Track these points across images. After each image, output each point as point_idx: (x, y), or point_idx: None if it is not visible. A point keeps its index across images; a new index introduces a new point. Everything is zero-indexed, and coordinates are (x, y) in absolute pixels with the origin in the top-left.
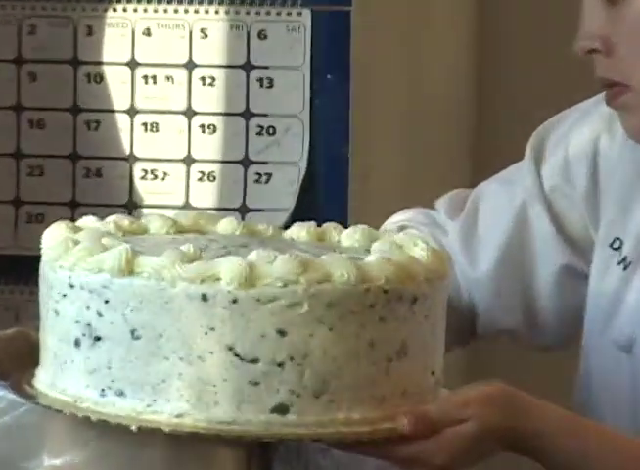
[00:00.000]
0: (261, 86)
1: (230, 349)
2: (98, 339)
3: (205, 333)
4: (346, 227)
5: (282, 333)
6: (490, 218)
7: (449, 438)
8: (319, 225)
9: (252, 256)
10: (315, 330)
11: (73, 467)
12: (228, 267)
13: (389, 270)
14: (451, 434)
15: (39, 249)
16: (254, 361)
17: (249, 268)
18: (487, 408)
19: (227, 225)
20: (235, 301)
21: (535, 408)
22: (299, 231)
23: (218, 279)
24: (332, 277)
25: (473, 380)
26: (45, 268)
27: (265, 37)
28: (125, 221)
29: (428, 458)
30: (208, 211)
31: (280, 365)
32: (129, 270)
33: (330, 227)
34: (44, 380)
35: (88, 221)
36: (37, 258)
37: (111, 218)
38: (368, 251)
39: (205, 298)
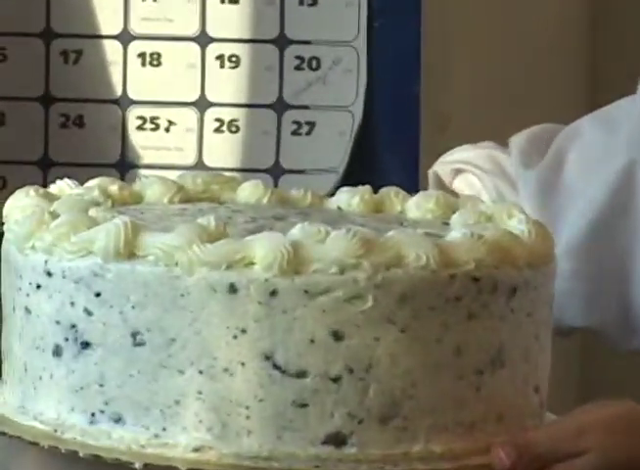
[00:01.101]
0: (301, 3)
1: (267, 358)
2: (86, 345)
3: (234, 337)
4: (415, 193)
5: (338, 336)
6: (581, 174)
7: None
8: (375, 191)
9: (296, 232)
10: (382, 332)
11: None
12: (264, 248)
13: (481, 251)
14: None
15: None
16: (301, 375)
17: (292, 249)
18: (611, 437)
19: (251, 191)
20: (274, 293)
21: None
22: (350, 198)
23: (251, 264)
24: (404, 261)
25: (585, 401)
26: (9, 250)
27: None
28: (113, 186)
29: None
30: (225, 173)
31: (335, 380)
32: (129, 252)
33: (390, 193)
34: (10, 401)
35: (64, 186)
36: None
37: (93, 182)
38: (446, 224)
39: (233, 289)
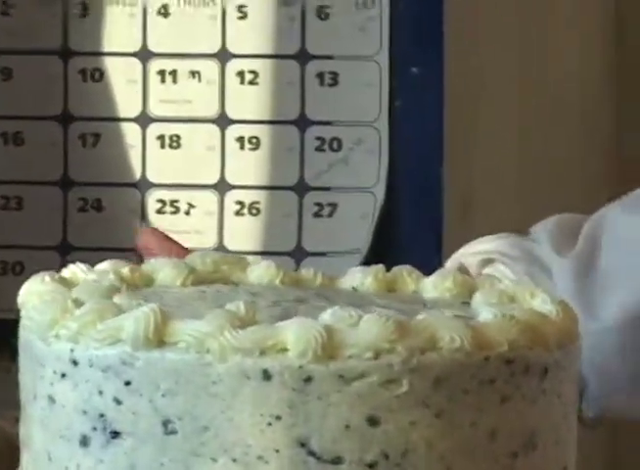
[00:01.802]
0: (322, 83)
1: (302, 445)
2: (116, 435)
3: (269, 424)
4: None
5: (373, 422)
6: (619, 256)
7: None
8: (387, 270)
9: (327, 316)
10: (418, 417)
11: None
12: (297, 333)
13: (514, 332)
14: None
15: (16, 310)
16: (336, 462)
17: (326, 334)
18: None
19: (263, 272)
20: (309, 379)
21: None
22: (363, 278)
23: (284, 350)
24: (439, 344)
25: None
26: (29, 338)
27: (327, 16)
28: (124, 269)
29: None
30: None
31: (371, 466)
32: (159, 340)
33: (403, 272)
34: None
35: (77, 270)
36: (14, 323)
37: (105, 265)
38: (466, 304)
39: (267, 376)
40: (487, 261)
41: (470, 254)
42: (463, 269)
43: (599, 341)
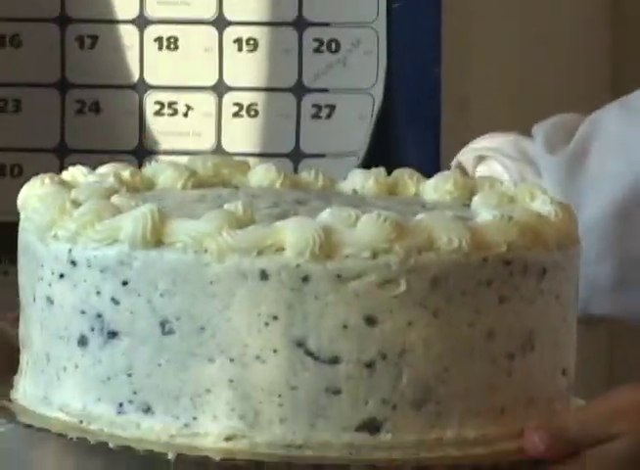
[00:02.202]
0: None
1: (300, 344)
2: (113, 335)
3: (266, 324)
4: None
5: (370, 321)
6: (606, 160)
7: (594, 462)
8: (388, 172)
9: (326, 216)
10: (415, 317)
11: None
12: (296, 233)
13: (513, 233)
14: (597, 456)
15: (17, 212)
16: (334, 361)
17: (323, 234)
18: None
19: (263, 175)
20: (306, 279)
21: None
22: (364, 180)
23: (282, 249)
24: (436, 244)
25: (612, 384)
26: (29, 240)
27: None
28: (126, 172)
29: None
30: (243, 158)
31: (369, 366)
32: (157, 240)
33: (404, 175)
34: (31, 393)
35: (77, 173)
36: (13, 226)
37: (107, 168)
38: (466, 206)
39: (264, 275)
40: (482, 158)
41: (467, 150)
42: (460, 166)
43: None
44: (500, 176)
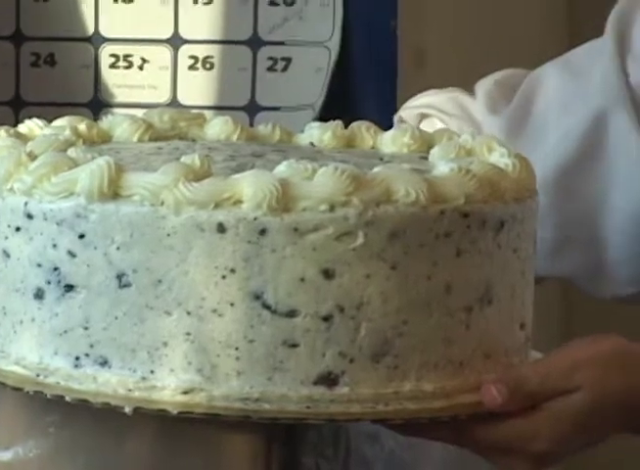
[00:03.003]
0: None
1: (257, 298)
2: (70, 288)
3: (223, 277)
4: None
5: (328, 274)
6: (549, 118)
7: (554, 414)
8: (345, 125)
9: (283, 169)
10: (373, 270)
11: (28, 462)
12: (253, 186)
13: (471, 186)
14: (557, 409)
15: None
16: (291, 314)
17: (281, 186)
18: (602, 371)
19: (220, 127)
20: (264, 231)
21: None
22: (322, 134)
23: (239, 202)
24: (394, 197)
25: (568, 337)
26: None
27: None
28: (82, 125)
29: (523, 444)
30: (199, 111)
31: (326, 319)
32: (114, 193)
33: (362, 127)
34: None
35: (33, 126)
36: None
37: (63, 121)
38: (424, 159)
39: (221, 228)
40: (424, 116)
41: (409, 107)
42: (402, 122)
43: None
44: None
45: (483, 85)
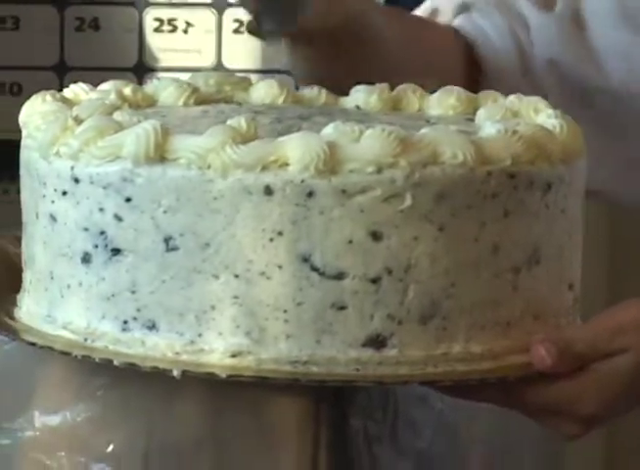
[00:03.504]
0: None
1: (305, 260)
2: (117, 252)
3: (271, 240)
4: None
5: (376, 236)
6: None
7: (601, 376)
8: (392, 88)
9: (330, 131)
10: (421, 232)
11: (75, 427)
12: (300, 148)
13: (517, 147)
14: (604, 371)
15: (17, 130)
16: (339, 277)
17: (328, 149)
18: None
19: (265, 90)
20: (311, 194)
21: None
22: (367, 96)
23: (286, 165)
24: (441, 158)
25: (616, 301)
26: (31, 157)
27: None
28: (127, 89)
29: (573, 405)
30: (244, 75)
31: (374, 281)
32: (160, 156)
33: (408, 90)
34: (35, 311)
35: (79, 90)
36: (12, 144)
37: (108, 85)
38: (470, 121)
39: (268, 191)
40: (463, 8)
41: None
42: (434, 13)
43: None
44: (483, 30)
45: None
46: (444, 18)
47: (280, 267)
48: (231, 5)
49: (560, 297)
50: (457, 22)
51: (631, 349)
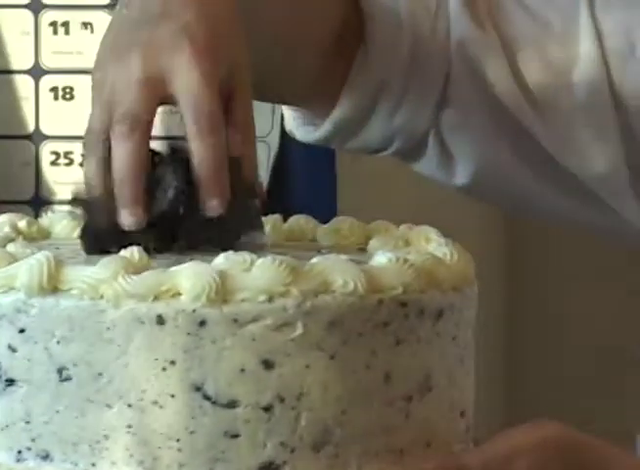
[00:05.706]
0: None
1: (197, 389)
2: (11, 383)
3: (163, 369)
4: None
5: (268, 365)
6: None
7: None
8: (285, 219)
9: (221, 261)
10: (312, 360)
11: None
12: (191, 278)
13: (408, 275)
14: None
15: None
16: (232, 405)
17: (219, 278)
18: (543, 459)
19: None
20: (203, 323)
21: (608, 458)
22: None
23: (178, 294)
24: (332, 287)
25: (511, 425)
26: None
27: None
28: (22, 222)
29: None
30: None
31: (267, 410)
32: (53, 287)
33: (300, 221)
34: None
35: None
36: None
37: (2, 218)
38: (362, 250)
39: (161, 320)
40: None
41: None
42: None
43: None
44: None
45: None
46: None
47: (173, 396)
48: None
49: (452, 424)
50: None
51: None
